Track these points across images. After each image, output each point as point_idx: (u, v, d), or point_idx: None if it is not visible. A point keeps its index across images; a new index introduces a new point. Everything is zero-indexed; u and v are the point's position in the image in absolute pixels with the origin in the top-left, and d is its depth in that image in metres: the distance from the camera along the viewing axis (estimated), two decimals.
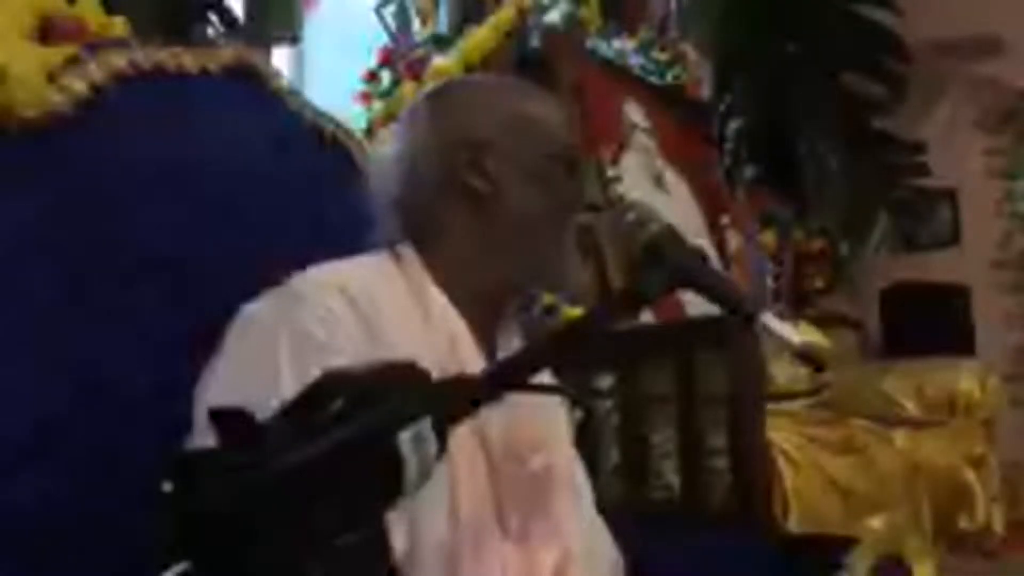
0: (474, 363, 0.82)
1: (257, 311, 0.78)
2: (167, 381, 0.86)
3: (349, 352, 0.74)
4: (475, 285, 0.85)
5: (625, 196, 2.39)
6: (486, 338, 0.87)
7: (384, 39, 2.59)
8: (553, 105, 0.94)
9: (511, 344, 0.91)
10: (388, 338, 0.77)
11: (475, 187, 0.86)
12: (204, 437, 0.72)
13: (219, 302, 0.81)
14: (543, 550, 0.84)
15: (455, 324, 0.83)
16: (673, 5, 3.08)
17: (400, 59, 2.47)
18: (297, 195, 1.05)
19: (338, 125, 1.15)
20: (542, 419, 0.90)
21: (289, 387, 0.69)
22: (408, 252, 0.87)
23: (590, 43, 2.80)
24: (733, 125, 3.27)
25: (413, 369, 0.49)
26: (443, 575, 0.75)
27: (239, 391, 0.74)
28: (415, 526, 0.73)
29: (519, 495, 0.84)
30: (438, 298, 0.84)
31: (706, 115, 3.22)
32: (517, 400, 0.81)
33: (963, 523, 2.03)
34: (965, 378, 2.21)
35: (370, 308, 0.77)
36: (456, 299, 0.85)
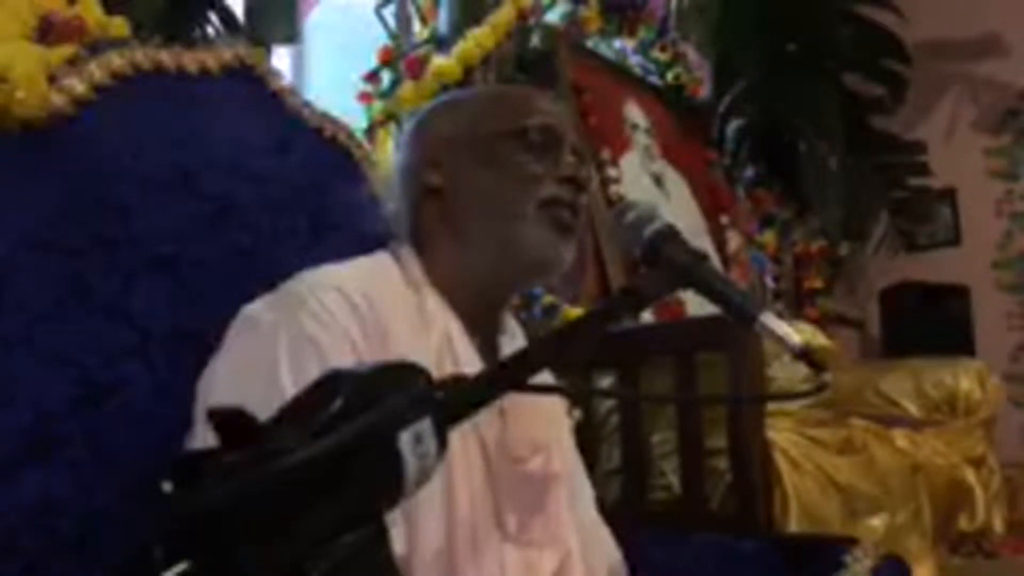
0: (470, 361, 0.83)
1: (257, 312, 0.79)
2: (167, 381, 0.86)
3: (347, 351, 0.74)
4: (464, 282, 0.86)
5: (625, 196, 2.39)
6: (484, 336, 0.87)
7: (384, 39, 2.59)
8: (515, 89, 0.95)
9: (513, 344, 0.91)
10: (386, 337, 0.77)
11: (434, 184, 0.88)
12: (204, 436, 0.73)
13: (219, 302, 0.81)
14: (542, 552, 0.84)
15: (450, 322, 0.84)
16: (673, 5, 3.08)
17: (400, 59, 2.47)
18: (297, 195, 1.05)
19: (338, 125, 1.15)
20: (542, 420, 0.90)
21: (288, 387, 0.70)
22: (407, 254, 0.87)
23: (590, 43, 2.81)
24: (733, 125, 3.28)
25: (413, 369, 0.49)
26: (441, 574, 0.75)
27: (239, 391, 0.74)
28: (413, 528, 0.73)
29: (517, 496, 0.84)
30: (434, 297, 0.84)
31: (706, 115, 3.22)
32: (517, 400, 0.81)
33: (963, 523, 2.03)
34: (965, 378, 2.21)
35: (367, 307, 0.77)
36: (451, 298, 0.85)
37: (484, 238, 0.85)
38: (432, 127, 0.92)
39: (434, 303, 0.84)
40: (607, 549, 0.98)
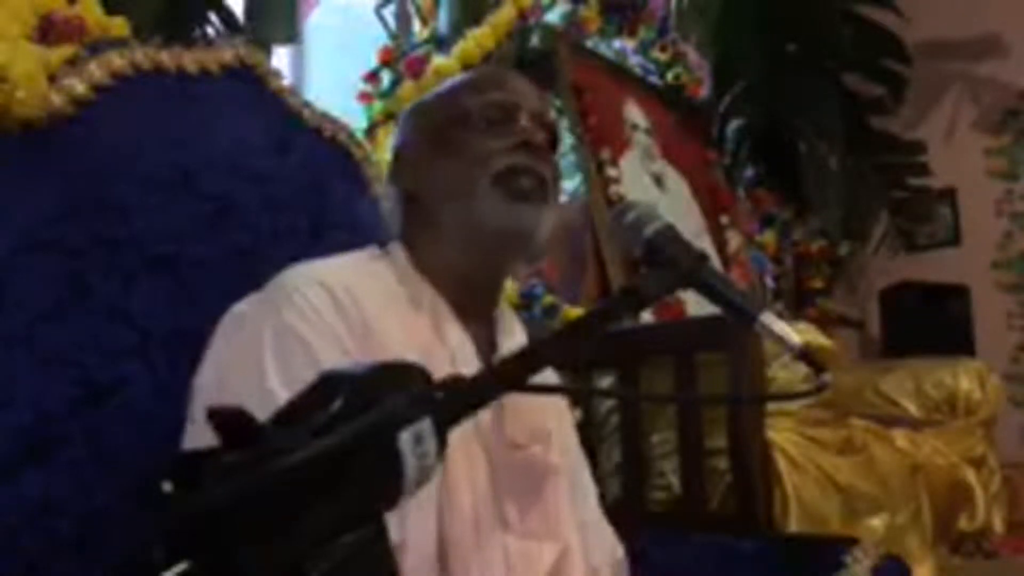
0: (462, 349, 0.84)
1: (243, 310, 0.80)
2: (167, 381, 0.86)
3: (332, 345, 0.75)
4: (447, 272, 0.86)
5: (625, 196, 2.39)
6: (479, 328, 0.88)
7: (384, 39, 2.59)
8: (467, 75, 0.97)
9: (513, 342, 0.91)
10: (368, 328, 0.78)
11: (409, 188, 0.90)
12: (198, 435, 0.73)
13: (219, 302, 0.81)
14: (542, 544, 0.84)
15: (440, 311, 0.84)
16: (673, 5, 3.08)
17: (400, 59, 2.47)
18: (297, 195, 1.05)
19: (338, 125, 1.15)
20: (540, 411, 0.90)
21: (274, 381, 0.71)
22: (396, 249, 0.89)
23: (590, 43, 2.81)
24: (733, 125, 3.28)
25: (413, 369, 0.49)
26: (437, 567, 0.75)
27: (227, 387, 0.75)
28: (405, 518, 0.73)
29: (517, 485, 0.84)
30: (423, 288, 0.85)
31: (706, 115, 3.22)
32: (519, 395, 0.81)
33: (963, 523, 2.03)
34: (965, 378, 2.21)
35: (349, 301, 0.78)
36: (442, 289, 0.86)
37: (452, 226, 0.86)
38: (399, 133, 0.95)
39: (424, 293, 0.85)
40: (610, 547, 0.98)
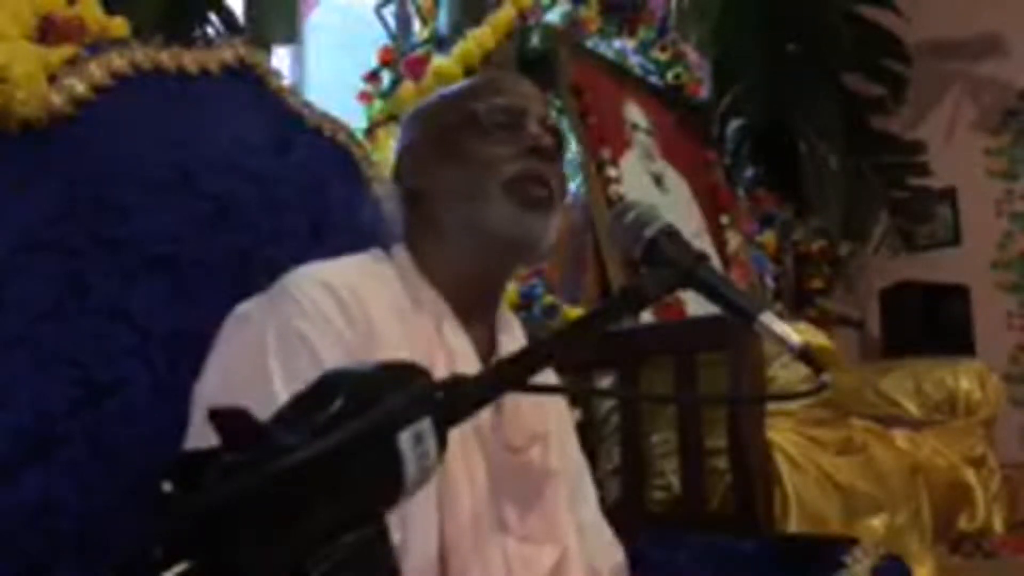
0: (463, 351, 0.84)
1: (247, 310, 0.80)
2: (167, 381, 0.86)
3: (335, 344, 0.75)
4: (451, 275, 0.86)
5: (625, 196, 2.39)
6: (480, 330, 0.88)
7: (384, 39, 2.59)
8: (474, 78, 0.97)
9: (513, 342, 0.91)
10: (371, 329, 0.78)
11: (413, 189, 0.90)
12: (201, 435, 0.73)
13: (219, 302, 0.81)
14: (541, 547, 0.84)
15: (442, 313, 0.84)
16: (673, 5, 3.08)
17: (400, 59, 2.47)
18: (297, 195, 1.05)
19: (338, 125, 1.15)
20: (539, 412, 0.90)
21: (279, 382, 0.71)
22: (400, 251, 0.89)
23: (590, 43, 2.81)
24: (733, 125, 3.27)
25: (413, 369, 0.49)
26: (438, 568, 0.75)
27: (231, 388, 0.75)
28: (405, 519, 0.73)
29: (516, 489, 0.84)
30: (425, 290, 0.85)
31: (706, 115, 3.22)
32: (519, 395, 0.81)
33: (963, 523, 2.03)
34: (965, 378, 2.21)
35: (353, 301, 0.78)
36: (442, 292, 0.86)
37: (458, 229, 0.86)
38: (405, 134, 0.95)
39: (426, 295, 0.85)
40: (610, 551, 0.98)
